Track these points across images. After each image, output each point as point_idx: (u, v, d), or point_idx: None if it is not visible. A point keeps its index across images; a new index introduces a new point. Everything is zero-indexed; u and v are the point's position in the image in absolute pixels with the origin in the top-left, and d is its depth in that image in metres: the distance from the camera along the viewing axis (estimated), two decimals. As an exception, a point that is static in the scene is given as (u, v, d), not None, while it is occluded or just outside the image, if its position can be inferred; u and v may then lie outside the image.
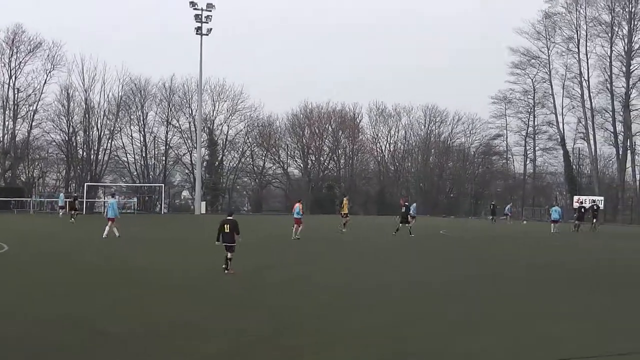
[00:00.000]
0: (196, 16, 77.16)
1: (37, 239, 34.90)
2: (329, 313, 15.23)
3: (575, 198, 76.13)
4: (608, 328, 13.65)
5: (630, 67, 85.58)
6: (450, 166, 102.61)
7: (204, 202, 79.92)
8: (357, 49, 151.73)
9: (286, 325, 13.51)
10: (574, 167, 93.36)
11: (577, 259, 29.65)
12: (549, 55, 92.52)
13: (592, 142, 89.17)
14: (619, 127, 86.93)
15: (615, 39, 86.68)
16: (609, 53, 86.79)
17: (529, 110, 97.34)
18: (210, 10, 77.27)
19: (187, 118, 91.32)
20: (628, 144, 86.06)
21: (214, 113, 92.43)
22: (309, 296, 17.72)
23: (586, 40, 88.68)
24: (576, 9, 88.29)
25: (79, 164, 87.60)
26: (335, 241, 36.85)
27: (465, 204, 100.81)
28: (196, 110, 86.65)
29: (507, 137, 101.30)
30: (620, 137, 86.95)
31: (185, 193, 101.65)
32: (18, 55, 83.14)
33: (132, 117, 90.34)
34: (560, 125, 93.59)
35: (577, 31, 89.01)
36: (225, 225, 21.42)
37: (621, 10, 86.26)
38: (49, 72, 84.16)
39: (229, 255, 21.25)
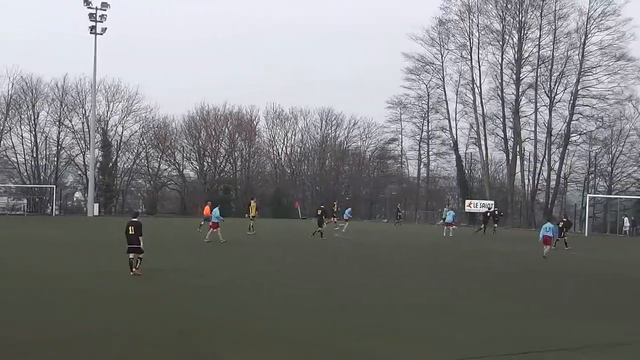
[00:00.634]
0: (90, 15, 75.81)
1: None
2: (231, 315, 15.38)
3: (467, 202, 78.10)
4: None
5: (520, 75, 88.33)
6: (346, 169, 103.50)
7: (97, 204, 78.58)
8: (255, 51, 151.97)
9: (185, 328, 13.61)
10: (466, 171, 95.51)
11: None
12: (442, 62, 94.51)
13: (483, 147, 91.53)
14: (509, 133, 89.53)
15: (506, 47, 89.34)
16: (499, 61, 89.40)
17: (423, 115, 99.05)
18: (105, 10, 76.05)
19: (81, 118, 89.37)
20: (517, 149, 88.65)
21: (109, 114, 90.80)
22: (211, 299, 17.84)
23: (478, 47, 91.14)
24: (469, 17, 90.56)
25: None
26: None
27: (361, 207, 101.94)
28: (90, 111, 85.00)
29: (402, 142, 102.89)
30: (510, 143, 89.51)
31: (77, 194, 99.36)
32: None
33: (22, 116, 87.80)
34: (454, 130, 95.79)
35: (469, 39, 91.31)
36: (130, 227, 21.27)
37: (512, 20, 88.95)
38: None
39: (133, 256, 21.10)
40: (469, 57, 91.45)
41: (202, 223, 44.53)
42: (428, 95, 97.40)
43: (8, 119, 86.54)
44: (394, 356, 11.87)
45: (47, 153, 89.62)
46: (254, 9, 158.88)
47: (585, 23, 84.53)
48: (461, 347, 12.74)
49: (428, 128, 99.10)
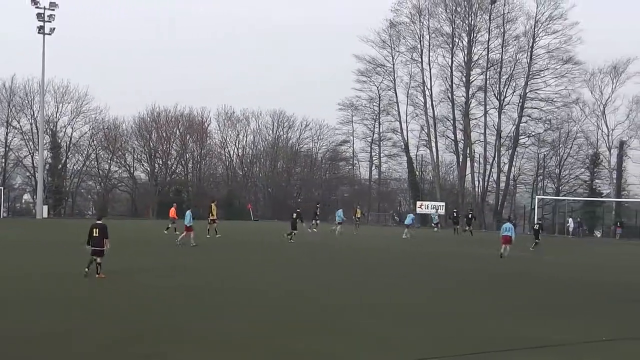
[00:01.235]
0: (38, 15, 74.83)
1: None
2: (188, 317, 15.39)
3: (418, 204, 78.72)
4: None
5: (470, 78, 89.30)
6: (297, 171, 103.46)
7: (46, 206, 77.60)
8: (205, 55, 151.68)
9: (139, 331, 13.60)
10: (417, 173, 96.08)
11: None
12: (393, 64, 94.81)
13: (434, 149, 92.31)
14: (459, 135, 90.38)
15: (456, 50, 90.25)
16: (449, 63, 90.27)
17: (375, 117, 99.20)
18: (54, 10, 75.10)
19: (29, 119, 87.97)
20: (467, 151, 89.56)
21: (58, 115, 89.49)
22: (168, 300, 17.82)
23: (429, 50, 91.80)
24: (419, 20, 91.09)
25: None
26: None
27: (313, 209, 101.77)
28: (38, 112, 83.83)
29: (353, 144, 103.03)
30: (461, 145, 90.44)
31: (26, 196, 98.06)
32: None
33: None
34: (405, 132, 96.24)
35: (420, 41, 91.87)
36: (95, 229, 21.21)
37: (461, 23, 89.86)
38: None
39: (99, 259, 21.02)
40: (420, 59, 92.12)
41: (170, 225, 44.59)
42: (379, 97, 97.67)
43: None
44: (343, 356, 12.01)
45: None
46: (209, 7, 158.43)
47: (533, 27, 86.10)
48: (417, 347, 12.95)
49: (379, 130, 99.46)
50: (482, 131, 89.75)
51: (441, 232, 64.36)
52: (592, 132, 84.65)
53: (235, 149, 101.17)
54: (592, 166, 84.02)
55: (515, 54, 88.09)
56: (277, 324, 14.69)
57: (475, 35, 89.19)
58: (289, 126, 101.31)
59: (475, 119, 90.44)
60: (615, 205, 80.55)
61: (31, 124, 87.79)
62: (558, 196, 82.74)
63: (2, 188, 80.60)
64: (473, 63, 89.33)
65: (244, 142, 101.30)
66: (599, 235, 77.44)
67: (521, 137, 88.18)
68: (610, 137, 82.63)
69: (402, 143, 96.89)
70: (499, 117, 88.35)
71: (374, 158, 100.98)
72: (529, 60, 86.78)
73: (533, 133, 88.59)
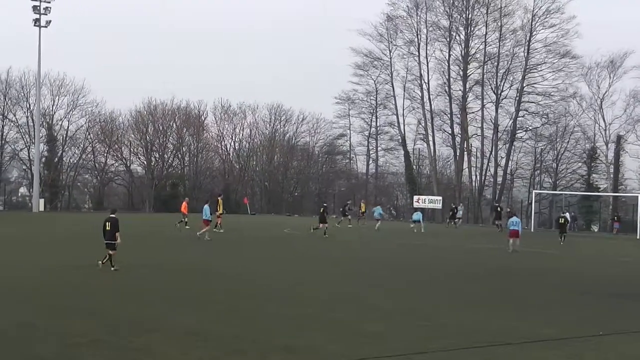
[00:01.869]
0: (34, 7, 74.54)
1: None
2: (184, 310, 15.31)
3: (415, 198, 78.71)
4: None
5: (467, 71, 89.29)
6: (294, 165, 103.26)
7: (43, 200, 77.42)
8: (202, 48, 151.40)
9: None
10: (414, 167, 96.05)
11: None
12: (390, 58, 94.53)
13: (431, 143, 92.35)
14: (457, 129, 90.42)
15: (453, 44, 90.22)
16: (447, 57, 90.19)
17: (372, 111, 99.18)
18: (50, 2, 74.82)
19: (25, 112, 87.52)
20: (465, 145, 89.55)
21: (54, 108, 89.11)
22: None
23: (426, 44, 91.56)
24: (417, 13, 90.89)
25: None
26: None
27: (310, 203, 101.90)
28: (34, 105, 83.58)
29: (350, 137, 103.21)
30: (458, 139, 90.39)
31: (22, 190, 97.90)
32: None
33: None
34: (402, 126, 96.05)
35: (417, 35, 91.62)
36: (107, 223, 21.64)
37: (459, 17, 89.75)
38: None
39: (111, 252, 21.37)
40: (417, 53, 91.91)
41: (182, 220, 44.76)
42: (376, 91, 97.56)
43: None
44: (322, 348, 12.00)
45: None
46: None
47: (530, 20, 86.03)
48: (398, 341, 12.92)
49: (376, 124, 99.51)
50: (479, 125, 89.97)
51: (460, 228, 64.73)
52: (589, 127, 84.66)
53: (232, 142, 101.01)
54: (589, 160, 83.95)
55: (512, 48, 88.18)
56: (266, 317, 14.60)
57: (472, 28, 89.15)
58: (285, 120, 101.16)
59: (473, 112, 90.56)
60: (613, 200, 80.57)
61: (27, 117, 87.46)
62: (555, 190, 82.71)
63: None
64: (470, 57, 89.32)
65: (241, 135, 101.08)
66: (596, 230, 77.47)
67: (518, 131, 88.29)
68: (607, 131, 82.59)
69: (399, 137, 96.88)
70: (496, 111, 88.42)
71: (371, 152, 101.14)
72: (526, 54, 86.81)
73: (530, 127, 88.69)
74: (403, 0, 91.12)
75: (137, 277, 21.08)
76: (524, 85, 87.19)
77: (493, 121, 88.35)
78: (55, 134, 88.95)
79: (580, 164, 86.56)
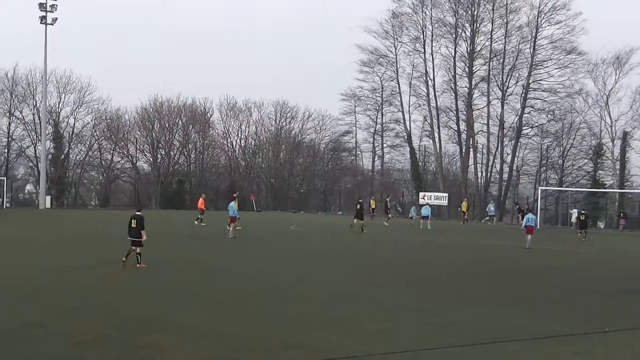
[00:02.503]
0: (40, 5, 74.61)
1: None
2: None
3: (421, 194, 78.62)
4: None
5: (473, 68, 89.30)
6: (300, 162, 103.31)
7: (49, 197, 77.55)
8: (207, 47, 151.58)
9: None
10: (420, 164, 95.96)
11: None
12: (396, 55, 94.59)
13: (437, 139, 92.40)
14: (462, 126, 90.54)
15: (459, 41, 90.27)
16: (452, 54, 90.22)
17: (377, 107, 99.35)
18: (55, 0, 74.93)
19: (31, 109, 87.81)
20: (470, 142, 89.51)
21: (60, 105, 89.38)
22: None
23: (432, 40, 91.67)
24: (422, 10, 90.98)
25: None
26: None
27: (316, 200, 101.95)
28: (41, 102, 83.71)
29: (356, 134, 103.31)
30: (463, 136, 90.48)
31: (29, 187, 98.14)
32: None
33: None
34: (407, 123, 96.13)
35: (423, 31, 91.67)
36: (133, 221, 21.96)
37: (464, 13, 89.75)
38: None
39: (138, 250, 21.63)
40: (423, 50, 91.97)
41: (199, 217, 45.00)
42: (382, 88, 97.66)
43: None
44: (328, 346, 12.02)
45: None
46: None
47: (536, 17, 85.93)
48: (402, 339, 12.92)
49: (382, 120, 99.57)
50: (485, 122, 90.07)
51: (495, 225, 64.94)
52: (595, 123, 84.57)
53: (238, 139, 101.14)
54: (595, 157, 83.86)
55: (518, 45, 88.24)
56: (273, 315, 14.61)
57: (478, 25, 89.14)
58: (291, 117, 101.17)
59: (478, 109, 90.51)
60: (619, 197, 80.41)
61: (34, 114, 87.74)
62: (561, 187, 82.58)
63: (5, 178, 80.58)
64: (476, 53, 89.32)
65: (247, 132, 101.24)
66: (602, 227, 77.26)
67: (524, 128, 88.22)
68: (613, 128, 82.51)
69: (404, 134, 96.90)
70: (502, 108, 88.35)
71: (376, 149, 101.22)
72: (532, 50, 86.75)
73: (536, 124, 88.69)
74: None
75: (143, 275, 21.09)
76: (530, 81, 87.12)
77: (499, 118, 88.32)
78: (62, 131, 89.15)
79: (586, 160, 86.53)
